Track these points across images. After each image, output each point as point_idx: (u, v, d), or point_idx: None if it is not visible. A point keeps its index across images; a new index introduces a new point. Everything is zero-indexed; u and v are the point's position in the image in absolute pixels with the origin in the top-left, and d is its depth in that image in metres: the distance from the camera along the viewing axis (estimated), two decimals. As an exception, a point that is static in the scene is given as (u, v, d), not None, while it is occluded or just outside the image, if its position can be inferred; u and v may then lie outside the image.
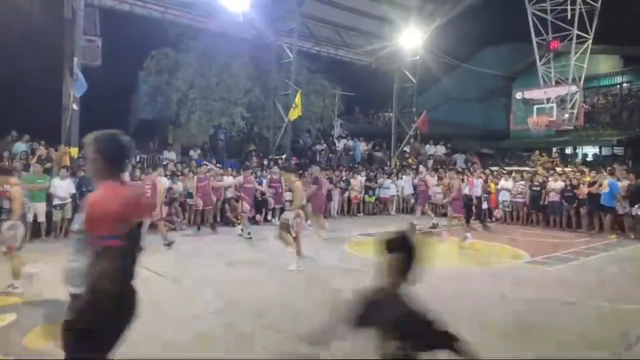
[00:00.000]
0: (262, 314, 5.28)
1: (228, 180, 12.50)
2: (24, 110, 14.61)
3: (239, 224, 11.41)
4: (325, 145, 20.41)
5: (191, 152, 16.75)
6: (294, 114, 16.31)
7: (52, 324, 4.78)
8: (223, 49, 16.94)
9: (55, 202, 9.88)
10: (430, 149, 22.15)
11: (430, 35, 19.84)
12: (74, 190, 10.20)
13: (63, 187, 9.99)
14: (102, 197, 2.25)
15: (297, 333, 4.68)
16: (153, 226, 9.26)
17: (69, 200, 10.08)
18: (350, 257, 8.94)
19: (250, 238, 10.38)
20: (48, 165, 10.71)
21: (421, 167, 15.25)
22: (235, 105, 17.05)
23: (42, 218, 9.75)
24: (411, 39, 19.44)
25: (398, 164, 20.12)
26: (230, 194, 12.79)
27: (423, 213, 13.42)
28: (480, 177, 14.49)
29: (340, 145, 20.60)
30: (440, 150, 22.34)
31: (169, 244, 9.03)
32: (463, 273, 7.76)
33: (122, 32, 15.45)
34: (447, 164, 20.37)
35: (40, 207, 9.71)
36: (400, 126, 21.98)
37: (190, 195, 12.36)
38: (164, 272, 7.03)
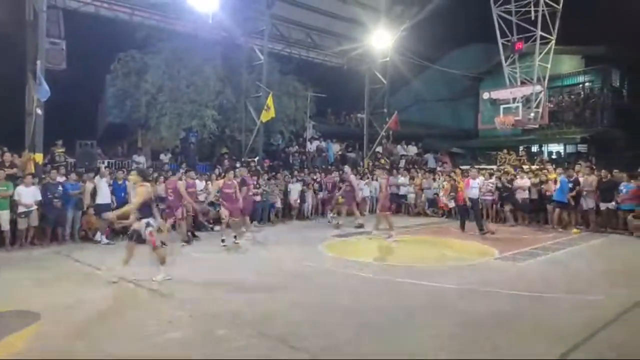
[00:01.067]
0: (237, 317, 5.25)
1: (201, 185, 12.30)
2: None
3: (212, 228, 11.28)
4: (298, 147, 20.40)
5: (162, 156, 16.45)
6: (266, 116, 16.24)
7: (12, 336, 4.65)
8: (193, 51, 16.72)
9: (20, 209, 9.53)
10: (402, 149, 22.44)
11: (399, 37, 20.10)
12: (39, 197, 9.87)
13: (28, 194, 9.65)
14: None
15: (273, 335, 4.68)
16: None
17: (35, 207, 9.75)
18: (325, 257, 8.97)
19: (237, 244, 10.22)
20: (12, 171, 10.31)
21: (346, 167, 15.20)
22: (206, 107, 16.83)
23: (6, 226, 9.40)
24: (381, 41, 19.65)
25: (371, 164, 20.27)
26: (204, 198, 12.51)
27: (349, 213, 13.49)
28: (478, 177, 13.46)
29: (312, 146, 20.62)
30: (412, 150, 22.66)
31: (187, 242, 10.09)
32: (433, 270, 7.89)
33: (87, 35, 15.08)
34: (419, 164, 20.67)
35: (4, 215, 9.36)
36: (372, 127, 22.18)
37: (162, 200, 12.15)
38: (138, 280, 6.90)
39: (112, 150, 17.56)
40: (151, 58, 16.29)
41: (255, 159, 16.64)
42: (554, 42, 18.60)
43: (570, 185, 12.41)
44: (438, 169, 19.15)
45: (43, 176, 10.79)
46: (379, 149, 21.93)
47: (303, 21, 19.21)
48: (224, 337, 4.67)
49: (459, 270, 7.99)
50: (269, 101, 16.10)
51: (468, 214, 12.33)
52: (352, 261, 8.46)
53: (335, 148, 21.24)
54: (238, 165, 14.84)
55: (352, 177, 13.99)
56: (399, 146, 22.50)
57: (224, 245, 9.86)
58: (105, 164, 14.32)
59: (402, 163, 20.42)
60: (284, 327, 4.98)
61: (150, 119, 16.28)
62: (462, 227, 12.23)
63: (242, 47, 17.83)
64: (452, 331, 4.88)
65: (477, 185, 12.06)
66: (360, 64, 22.04)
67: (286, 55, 20.23)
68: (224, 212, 10.13)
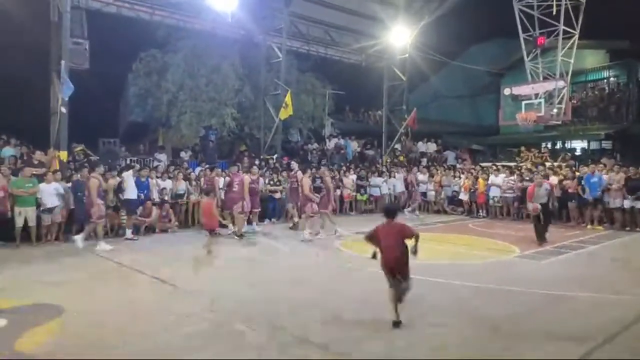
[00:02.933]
0: (254, 312, 5.30)
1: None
2: (11, 114, 14.46)
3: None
4: (316, 144, 20.43)
5: (182, 154, 16.70)
6: (285, 113, 16.31)
7: (37, 329, 4.79)
8: (212, 49, 16.89)
9: (43, 206, 9.79)
10: (421, 146, 22.26)
11: (418, 33, 19.93)
12: (62, 193, 10.11)
13: (50, 191, 9.90)
14: None
15: (291, 331, 4.71)
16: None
17: (58, 204, 10.00)
18: (342, 254, 8.97)
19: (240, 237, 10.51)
20: (41, 171, 10.58)
21: (292, 164, 14.63)
22: (225, 105, 16.99)
23: (32, 222, 9.66)
24: (400, 37, 19.51)
25: (389, 162, 20.18)
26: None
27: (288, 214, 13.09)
28: (557, 175, 12.73)
29: (331, 144, 20.64)
30: (432, 147, 22.45)
31: (240, 236, 10.48)
32: (452, 268, 7.82)
33: (109, 34, 15.36)
34: (439, 161, 20.49)
35: (31, 212, 9.62)
36: (391, 124, 22.07)
37: (179, 196, 12.38)
38: (158, 274, 7.02)
39: (134, 148, 17.87)
40: (171, 57, 16.51)
41: (274, 156, 16.73)
42: (577, 36, 18.17)
43: (595, 181, 12.19)
44: (458, 166, 18.95)
45: (73, 173, 11.05)
46: (398, 146, 21.81)
47: (321, 18, 19.22)
48: (241, 332, 4.72)
49: (478, 268, 7.90)
50: (288, 99, 16.17)
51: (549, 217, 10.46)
52: (368, 258, 8.43)
53: (354, 145, 21.20)
54: (257, 162, 15.01)
55: (328, 178, 13.04)
56: (419, 143, 22.33)
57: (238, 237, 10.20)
58: (128, 161, 14.59)
59: (424, 161, 20.22)
60: (303, 323, 5.00)
61: (171, 117, 16.52)
62: (541, 237, 10.08)
63: (261, 45, 17.92)
64: (468, 330, 4.84)
65: (546, 189, 10.20)
66: (378, 60, 21.94)
67: (304, 52, 20.27)
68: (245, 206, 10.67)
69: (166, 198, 12.06)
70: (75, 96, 11.61)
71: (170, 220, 11.93)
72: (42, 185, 9.87)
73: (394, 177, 16.60)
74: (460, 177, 16.05)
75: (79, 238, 9.04)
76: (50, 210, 9.89)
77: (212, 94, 16.79)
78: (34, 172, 10.19)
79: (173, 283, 6.61)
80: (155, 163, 14.84)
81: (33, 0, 13.23)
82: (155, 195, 11.72)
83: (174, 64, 16.39)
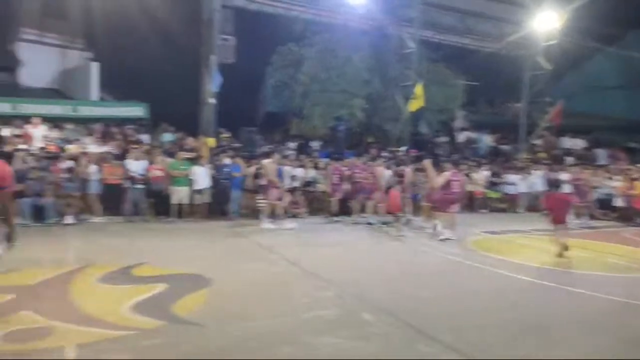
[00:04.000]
0: (381, 303, 5.32)
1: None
2: (168, 105, 16.35)
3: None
4: (446, 137, 19.69)
5: (312, 143, 17.38)
6: (415, 105, 15.97)
7: (188, 297, 5.38)
8: (344, 42, 17.17)
9: (196, 187, 10.96)
10: (567, 142, 20.13)
11: (568, 17, 17.94)
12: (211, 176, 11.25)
13: (202, 173, 11.05)
14: None
15: (418, 326, 4.65)
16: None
17: (207, 186, 11.13)
18: (474, 254, 8.56)
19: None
20: (191, 154, 11.89)
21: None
22: (355, 97, 17.22)
23: (186, 201, 10.91)
24: (546, 22, 17.78)
25: (527, 158, 18.63)
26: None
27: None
28: None
29: (462, 137, 19.72)
30: (579, 144, 20.17)
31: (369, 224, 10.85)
32: (596, 278, 6.98)
33: (251, 30, 16.45)
34: (589, 159, 18.34)
35: (184, 191, 10.87)
36: (531, 117, 20.31)
37: (309, 183, 12.93)
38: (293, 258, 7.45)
39: (269, 136, 19.03)
40: (307, 50, 17.18)
41: (402, 149, 16.53)
42: None
43: None
44: (611, 166, 16.79)
45: (218, 158, 12.24)
46: (538, 141, 20.02)
47: (457, 6, 18.35)
48: (369, 322, 4.78)
49: (628, 281, 6.96)
50: (418, 90, 15.79)
51: None
52: (503, 260, 7.94)
53: (488, 139, 19.97)
54: (384, 154, 15.00)
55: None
56: (564, 138, 20.23)
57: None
58: (265, 149, 15.61)
59: (571, 159, 18.24)
60: (426, 318, 4.90)
61: (304, 108, 17.24)
62: None
63: (392, 35, 17.74)
64: (610, 349, 4.29)
65: None
66: (519, 48, 20.26)
67: (436, 42, 19.54)
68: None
69: (296, 185, 12.67)
70: (221, 88, 12.75)
71: (300, 207, 12.49)
72: (196, 168, 11.06)
73: (533, 174, 15.28)
74: (613, 179, 14.21)
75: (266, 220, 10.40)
76: (200, 191, 11.04)
77: (343, 86, 17.10)
78: (187, 156, 11.49)
79: (304, 266, 6.94)
80: (288, 151, 15.67)
81: (186, 1, 14.70)
82: (287, 182, 12.37)
83: (309, 57, 17.03)
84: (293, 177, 12.62)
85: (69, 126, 12.93)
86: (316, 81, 16.99)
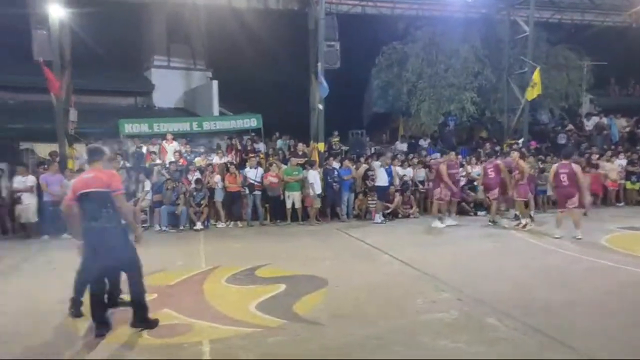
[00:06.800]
0: (504, 306, 5.04)
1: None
2: (281, 113, 17.21)
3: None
4: (571, 125, 17.96)
5: (421, 142, 17.03)
6: (532, 93, 14.82)
7: (309, 296, 5.60)
8: (450, 34, 16.57)
9: (310, 191, 11.39)
10: None
11: None
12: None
13: (316, 177, 11.46)
14: None
15: (547, 332, 4.32)
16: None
17: (319, 191, 11.51)
18: (609, 253, 7.70)
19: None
20: (301, 160, 12.38)
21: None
22: (464, 90, 16.52)
23: (298, 205, 11.42)
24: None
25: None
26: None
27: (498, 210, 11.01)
28: None
29: (590, 124, 17.84)
30: None
31: (493, 222, 10.57)
32: None
33: (355, 33, 16.61)
34: None
35: (297, 196, 11.37)
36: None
37: (420, 183, 12.70)
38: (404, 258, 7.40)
39: (376, 137, 19.06)
40: (410, 47, 16.90)
41: (520, 141, 15.44)
42: None
43: None
44: None
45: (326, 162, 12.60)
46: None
47: (576, -21, 16.68)
48: (492, 326, 4.55)
49: None
50: (536, 76, 14.63)
51: None
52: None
53: (621, 124, 17.79)
54: (498, 148, 14.18)
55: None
56: None
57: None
58: (373, 150, 15.69)
59: None
60: (556, 323, 4.53)
61: (411, 106, 16.97)
62: None
63: (504, 21, 16.67)
64: None
65: None
66: (656, 18, 17.76)
67: (555, 22, 17.93)
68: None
69: (407, 185, 12.52)
70: (328, 93, 13.08)
71: (411, 207, 12.36)
72: (311, 172, 11.49)
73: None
74: None
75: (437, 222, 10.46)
76: (314, 195, 11.44)
77: (451, 80, 16.52)
78: (298, 162, 11.99)
79: (418, 267, 6.84)
80: (396, 151, 15.55)
81: (294, 14, 15.34)
82: (397, 182, 12.29)
83: (413, 53, 16.75)
84: (403, 177, 12.51)
85: (196, 141, 14.29)
86: (422, 77, 16.65)
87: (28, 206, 10.08)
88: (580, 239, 8.52)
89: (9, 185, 10.39)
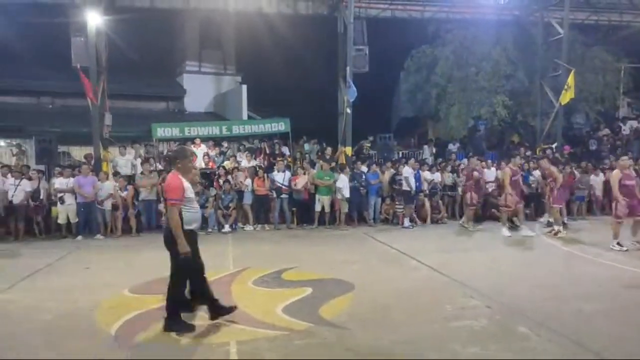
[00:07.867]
0: (536, 315, 4.90)
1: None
2: (309, 117, 17.31)
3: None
4: (607, 129, 17.38)
5: (450, 146, 16.77)
6: (567, 96, 14.43)
7: (335, 300, 5.58)
8: (481, 37, 16.31)
9: (339, 195, 11.36)
10: None
11: None
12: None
13: (344, 182, 11.43)
14: None
15: (581, 342, 4.18)
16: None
17: (348, 195, 11.46)
18: None
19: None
20: (330, 165, 12.38)
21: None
22: (495, 93, 16.20)
23: (327, 209, 11.44)
24: None
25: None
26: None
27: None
28: None
29: (627, 128, 17.24)
30: None
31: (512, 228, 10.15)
32: None
33: (383, 37, 16.57)
34: None
35: (327, 200, 11.38)
36: None
37: (449, 188, 12.52)
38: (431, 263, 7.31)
39: (404, 142, 18.92)
40: (440, 50, 16.72)
41: (553, 146, 15.05)
42: None
43: None
44: None
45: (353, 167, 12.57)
46: None
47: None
48: (522, 335, 4.44)
49: None
50: (570, 79, 14.24)
51: None
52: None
53: (661, 128, 17.14)
54: (528, 153, 13.87)
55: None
56: None
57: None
58: (400, 154, 15.57)
59: None
60: (591, 334, 4.38)
61: (440, 110, 16.78)
62: None
63: (537, 23, 16.31)
64: None
65: None
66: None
67: (592, 24, 17.44)
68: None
69: (435, 190, 12.36)
70: (356, 97, 13.08)
71: (440, 212, 12.20)
72: (341, 176, 11.48)
73: None
74: None
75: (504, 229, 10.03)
76: (343, 199, 11.42)
77: (482, 83, 16.24)
78: (331, 166, 12.01)
79: (447, 273, 6.73)
80: (424, 156, 15.40)
81: (323, 18, 15.42)
82: (425, 187, 12.15)
83: (442, 57, 16.56)
84: (431, 182, 12.35)
85: (225, 144, 14.48)
86: (452, 81, 16.44)
87: (70, 206, 10.46)
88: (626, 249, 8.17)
89: (47, 187, 10.80)
